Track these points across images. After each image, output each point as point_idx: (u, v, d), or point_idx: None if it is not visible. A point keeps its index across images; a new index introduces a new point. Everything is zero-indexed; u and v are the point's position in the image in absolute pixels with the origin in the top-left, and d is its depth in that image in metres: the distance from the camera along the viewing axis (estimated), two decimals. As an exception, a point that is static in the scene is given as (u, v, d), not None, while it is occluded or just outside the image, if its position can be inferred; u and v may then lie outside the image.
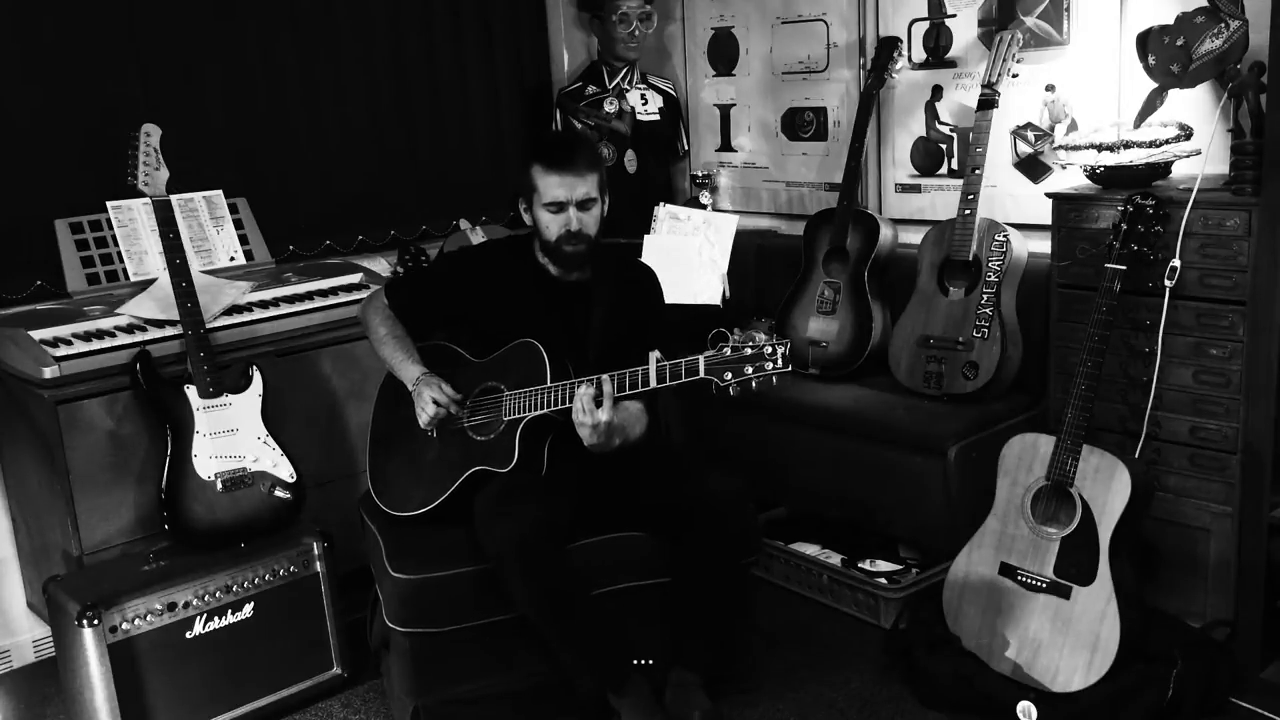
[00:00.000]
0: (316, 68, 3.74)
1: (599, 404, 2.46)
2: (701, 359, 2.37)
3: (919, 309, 3.34)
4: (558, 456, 2.62)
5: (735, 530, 2.65)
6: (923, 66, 3.62)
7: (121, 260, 3.18)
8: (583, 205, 2.67)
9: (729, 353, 2.35)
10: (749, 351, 2.34)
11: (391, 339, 2.78)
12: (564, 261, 2.73)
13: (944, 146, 3.63)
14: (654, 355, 2.44)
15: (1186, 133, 2.89)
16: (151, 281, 3.12)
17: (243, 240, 3.42)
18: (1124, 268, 2.67)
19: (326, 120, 3.78)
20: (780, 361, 2.32)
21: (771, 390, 2.36)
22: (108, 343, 2.86)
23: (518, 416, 2.58)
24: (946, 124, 3.61)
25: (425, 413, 2.66)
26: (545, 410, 2.54)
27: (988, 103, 3.23)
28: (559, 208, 2.66)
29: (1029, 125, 3.38)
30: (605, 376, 2.47)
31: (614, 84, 4.17)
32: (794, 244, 3.78)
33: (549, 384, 2.55)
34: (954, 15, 3.51)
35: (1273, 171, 2.54)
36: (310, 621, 2.90)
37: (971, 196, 3.22)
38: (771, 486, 3.51)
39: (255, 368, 2.94)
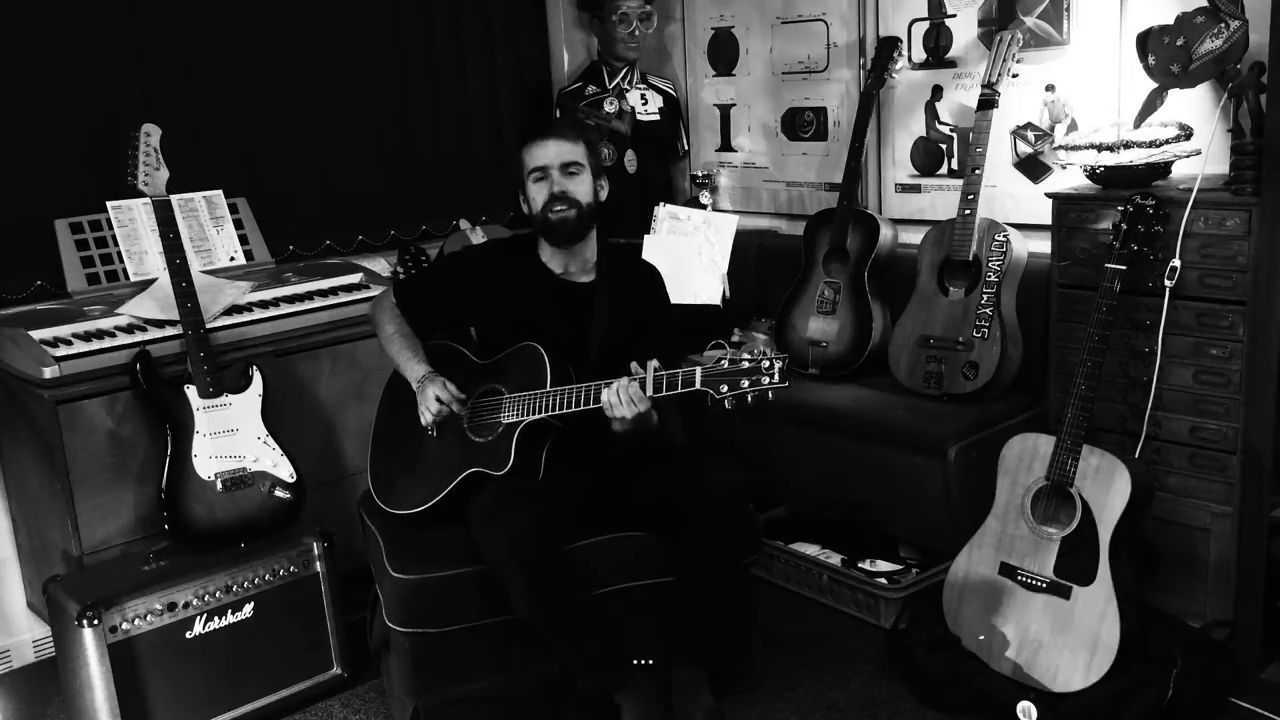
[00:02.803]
0: (316, 67, 3.73)
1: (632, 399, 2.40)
2: (698, 370, 2.33)
3: (919, 309, 3.34)
4: (556, 463, 2.61)
5: (734, 521, 2.63)
6: (923, 66, 3.62)
7: (121, 260, 3.18)
8: (566, 170, 2.66)
9: (725, 365, 2.30)
10: (746, 364, 2.28)
11: (399, 337, 2.79)
12: (554, 233, 2.68)
13: (944, 146, 3.63)
14: (651, 364, 2.41)
15: (1186, 133, 2.89)
16: (151, 281, 3.12)
17: (243, 240, 3.41)
18: (1124, 268, 2.67)
19: (326, 120, 3.78)
20: (778, 377, 2.27)
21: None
22: (108, 343, 2.86)
23: (515, 420, 2.57)
24: (946, 124, 3.61)
25: (428, 411, 2.66)
26: (542, 415, 2.53)
27: (988, 103, 3.23)
28: (542, 174, 2.66)
29: (1029, 125, 3.38)
30: (653, 364, 2.41)
31: (614, 84, 4.17)
32: (794, 244, 3.78)
33: (548, 389, 2.53)
34: (954, 15, 3.51)
35: (1273, 171, 2.54)
36: (310, 621, 2.90)
37: (971, 196, 3.22)
38: (771, 486, 3.51)
39: (255, 368, 2.94)
